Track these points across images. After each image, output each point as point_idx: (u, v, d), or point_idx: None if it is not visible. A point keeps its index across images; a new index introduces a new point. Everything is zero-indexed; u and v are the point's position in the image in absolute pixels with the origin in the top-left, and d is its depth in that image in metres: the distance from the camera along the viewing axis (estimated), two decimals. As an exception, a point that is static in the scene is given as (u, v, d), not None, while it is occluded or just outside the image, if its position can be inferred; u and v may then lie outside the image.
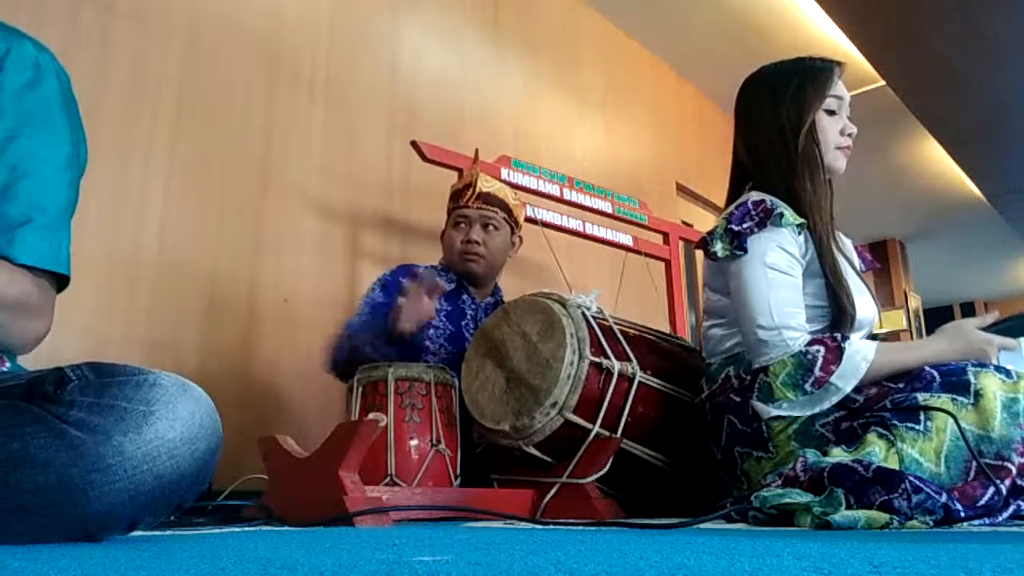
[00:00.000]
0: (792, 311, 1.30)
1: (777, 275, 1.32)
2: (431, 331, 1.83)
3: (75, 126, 0.92)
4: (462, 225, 1.92)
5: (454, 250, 1.91)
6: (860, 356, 1.25)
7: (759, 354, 1.30)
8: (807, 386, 1.24)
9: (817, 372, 1.24)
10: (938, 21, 3.38)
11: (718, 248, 1.37)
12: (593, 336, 1.44)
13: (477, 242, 1.89)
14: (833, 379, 1.23)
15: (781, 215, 1.34)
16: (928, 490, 1.00)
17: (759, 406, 1.29)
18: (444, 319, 1.86)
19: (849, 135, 1.45)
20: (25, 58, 0.87)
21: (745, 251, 1.34)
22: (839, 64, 1.45)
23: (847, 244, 1.49)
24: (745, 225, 1.35)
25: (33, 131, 0.86)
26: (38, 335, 0.87)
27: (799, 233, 1.36)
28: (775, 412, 1.27)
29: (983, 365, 1.19)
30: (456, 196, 1.95)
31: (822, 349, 1.25)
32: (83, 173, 0.95)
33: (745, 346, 1.35)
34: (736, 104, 1.53)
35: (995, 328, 1.31)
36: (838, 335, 1.28)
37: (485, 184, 1.95)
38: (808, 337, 1.28)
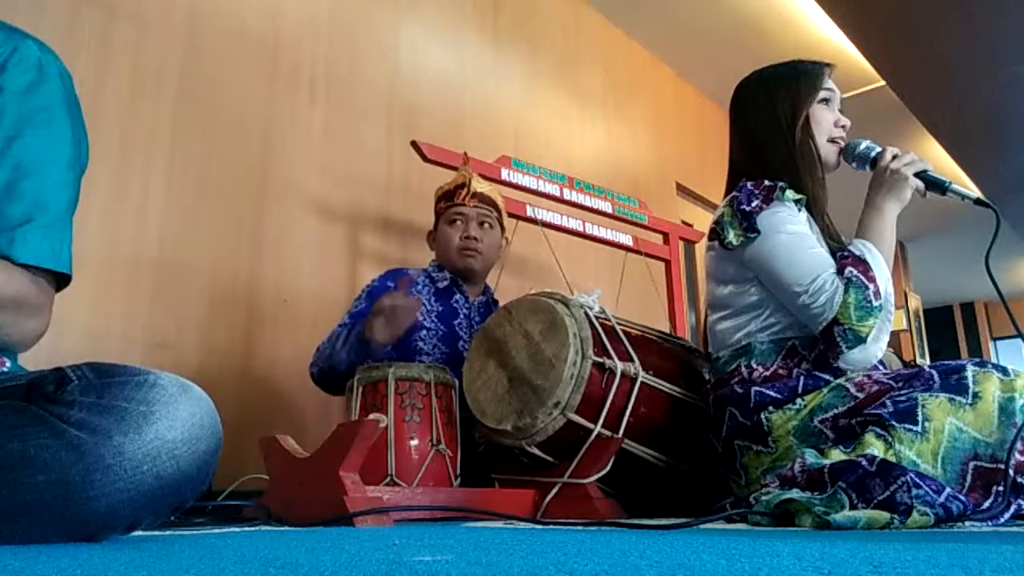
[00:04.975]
0: (818, 253, 1.33)
1: (793, 238, 1.34)
2: (423, 332, 1.84)
3: (77, 126, 0.93)
4: (459, 223, 1.93)
5: (452, 247, 1.92)
6: (867, 248, 1.33)
7: (818, 314, 1.29)
8: (874, 302, 1.26)
9: (868, 284, 1.27)
10: (937, 21, 3.38)
11: (731, 236, 1.38)
12: (596, 336, 1.44)
13: (476, 238, 1.91)
14: (878, 281, 1.28)
15: (783, 189, 1.37)
16: (927, 487, 0.99)
17: (856, 356, 1.26)
18: (436, 320, 1.87)
19: (842, 127, 1.50)
20: (28, 59, 0.88)
21: (758, 232, 1.35)
22: (829, 65, 1.52)
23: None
24: (754, 204, 1.37)
25: (36, 131, 0.86)
26: (36, 333, 0.88)
27: (800, 210, 1.39)
28: (880, 350, 1.27)
29: (983, 364, 1.19)
30: (449, 195, 1.96)
31: (852, 268, 1.29)
32: (84, 173, 0.95)
33: (798, 321, 1.35)
34: (732, 105, 1.56)
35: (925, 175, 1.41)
36: (846, 252, 1.33)
37: (479, 184, 1.98)
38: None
